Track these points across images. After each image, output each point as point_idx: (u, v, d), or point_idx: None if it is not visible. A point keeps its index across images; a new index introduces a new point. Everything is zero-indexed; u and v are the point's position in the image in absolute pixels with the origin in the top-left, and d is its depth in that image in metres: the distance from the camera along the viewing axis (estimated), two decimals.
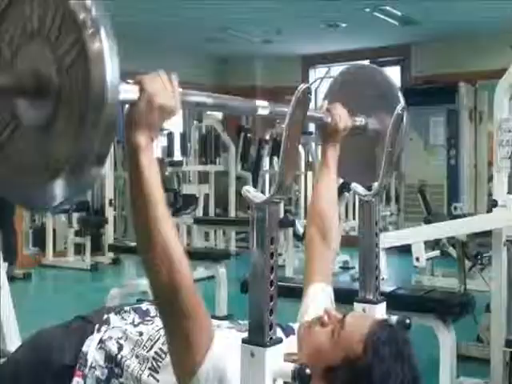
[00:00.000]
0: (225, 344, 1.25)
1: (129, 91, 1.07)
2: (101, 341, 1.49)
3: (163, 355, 1.41)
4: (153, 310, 1.62)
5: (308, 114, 1.65)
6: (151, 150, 1.11)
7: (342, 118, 1.64)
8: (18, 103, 0.98)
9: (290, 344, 1.32)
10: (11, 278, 4.43)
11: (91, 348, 1.48)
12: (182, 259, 1.17)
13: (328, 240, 1.68)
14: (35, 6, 0.96)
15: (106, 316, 1.58)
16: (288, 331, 1.47)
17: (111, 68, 0.89)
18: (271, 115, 1.36)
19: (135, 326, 1.52)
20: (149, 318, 1.56)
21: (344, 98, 1.73)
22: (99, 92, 0.89)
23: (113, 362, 1.45)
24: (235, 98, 1.33)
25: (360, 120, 1.73)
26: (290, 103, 1.13)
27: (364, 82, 1.81)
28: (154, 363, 1.41)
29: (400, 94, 1.74)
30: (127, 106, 1.10)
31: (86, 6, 0.91)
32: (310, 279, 1.64)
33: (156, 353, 1.42)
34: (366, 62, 9.38)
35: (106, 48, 0.89)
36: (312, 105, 1.26)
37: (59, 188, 0.95)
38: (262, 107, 1.35)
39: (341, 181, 2.37)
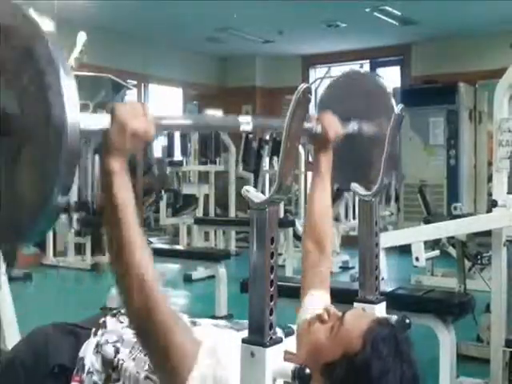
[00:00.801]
0: (217, 351, 1.25)
1: (97, 121, 1.09)
2: (97, 345, 1.49)
3: None
4: None
5: None
6: (124, 175, 1.13)
7: (332, 126, 1.63)
8: None
9: (289, 344, 1.32)
10: (11, 278, 4.43)
11: (88, 352, 1.48)
12: (155, 280, 1.17)
13: (324, 250, 1.68)
14: (6, 44, 0.97)
15: (102, 319, 1.58)
16: (288, 332, 1.47)
17: (70, 102, 0.92)
18: (255, 130, 1.34)
19: None
20: None
21: (336, 105, 1.73)
22: (59, 127, 0.91)
23: (110, 366, 1.45)
24: (216, 117, 1.31)
25: (352, 126, 1.73)
26: (290, 103, 1.13)
27: (355, 88, 1.80)
28: (151, 365, 1.41)
29: (392, 99, 1.72)
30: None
31: (42, 41, 0.93)
32: (307, 288, 1.64)
33: None
34: (366, 63, 9.41)
35: (63, 84, 0.91)
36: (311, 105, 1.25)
37: (27, 221, 0.97)
38: (245, 123, 1.34)
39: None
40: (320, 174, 1.70)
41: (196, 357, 1.23)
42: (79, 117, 0.95)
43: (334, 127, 1.63)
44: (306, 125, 1.62)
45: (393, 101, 1.71)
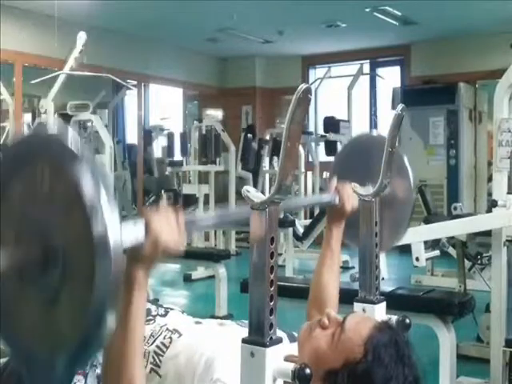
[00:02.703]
0: None
1: (134, 233, 1.05)
2: None
3: (164, 349, 1.42)
4: (154, 309, 1.62)
5: (316, 198, 1.64)
6: (146, 286, 1.12)
7: (350, 198, 1.62)
8: (26, 274, 0.96)
9: (294, 350, 1.32)
10: None
11: None
12: None
13: None
14: (43, 173, 0.94)
15: None
16: (293, 338, 1.47)
17: (114, 236, 0.89)
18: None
19: None
20: (150, 317, 1.57)
21: (351, 168, 1.75)
22: (105, 268, 0.88)
23: None
24: (240, 212, 1.30)
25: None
26: (290, 103, 1.13)
27: (370, 150, 1.78)
28: (155, 357, 1.41)
29: (405, 161, 1.72)
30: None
31: (90, 178, 0.90)
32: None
33: (157, 346, 1.43)
34: (366, 63, 9.41)
35: (109, 229, 0.89)
36: (312, 103, 1.25)
37: (61, 362, 0.93)
38: None
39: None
40: (330, 246, 1.68)
41: None
42: (122, 244, 0.91)
43: (352, 200, 1.63)
44: (325, 197, 1.62)
45: (407, 163, 1.72)
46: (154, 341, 1.45)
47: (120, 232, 0.91)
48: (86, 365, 0.94)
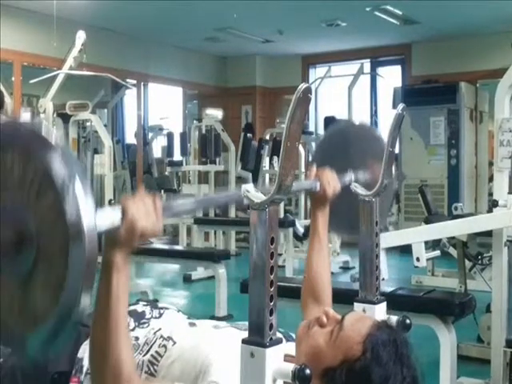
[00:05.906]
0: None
1: (110, 217, 1.08)
2: None
3: (159, 358, 1.41)
4: (148, 312, 1.61)
5: (297, 184, 1.66)
6: (126, 270, 1.12)
7: (331, 183, 1.63)
8: (0, 256, 0.97)
9: (290, 349, 1.32)
10: None
11: (86, 354, 1.47)
12: (132, 375, 1.16)
13: (322, 303, 1.66)
14: (16, 159, 0.96)
15: None
16: (289, 339, 1.46)
17: (88, 231, 0.91)
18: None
19: (131, 330, 1.51)
20: (144, 321, 1.56)
21: (332, 155, 1.76)
22: (78, 251, 0.90)
23: None
24: (219, 194, 1.30)
25: (349, 177, 1.73)
26: (290, 103, 1.12)
27: (350, 137, 1.80)
28: (150, 367, 1.40)
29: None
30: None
31: (62, 164, 0.92)
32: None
33: (152, 356, 1.41)
34: (367, 62, 9.40)
35: (82, 210, 0.90)
36: (311, 104, 1.24)
37: (40, 340, 0.94)
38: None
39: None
40: (317, 232, 1.69)
41: None
42: (96, 229, 0.93)
43: (333, 184, 1.64)
44: (306, 184, 1.64)
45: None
46: (149, 350, 1.44)
47: (94, 215, 0.92)
48: (61, 348, 0.95)
